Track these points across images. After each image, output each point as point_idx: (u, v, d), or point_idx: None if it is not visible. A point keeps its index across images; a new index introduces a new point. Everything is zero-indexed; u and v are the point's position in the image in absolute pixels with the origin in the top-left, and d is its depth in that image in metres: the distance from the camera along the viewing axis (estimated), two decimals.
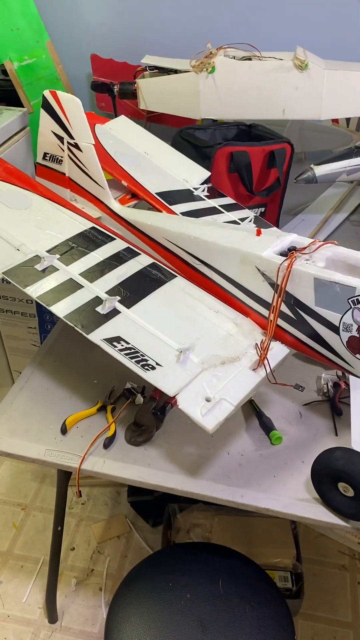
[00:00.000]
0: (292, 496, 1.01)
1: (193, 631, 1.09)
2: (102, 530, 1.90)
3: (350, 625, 1.68)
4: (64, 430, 1.09)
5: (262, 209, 1.68)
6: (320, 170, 1.56)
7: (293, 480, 1.03)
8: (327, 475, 0.94)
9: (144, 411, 1.11)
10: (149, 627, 1.09)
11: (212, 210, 1.38)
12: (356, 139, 2.11)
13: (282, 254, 1.03)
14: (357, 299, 0.90)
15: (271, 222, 1.56)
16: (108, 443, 1.07)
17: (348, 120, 2.22)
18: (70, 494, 1.34)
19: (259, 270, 1.03)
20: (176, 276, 1.13)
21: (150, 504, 1.89)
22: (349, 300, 0.91)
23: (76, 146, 1.27)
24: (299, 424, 1.15)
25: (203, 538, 1.73)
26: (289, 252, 1.01)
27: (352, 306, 0.90)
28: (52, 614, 1.63)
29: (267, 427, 1.12)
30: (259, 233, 1.08)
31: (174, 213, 1.33)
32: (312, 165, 1.58)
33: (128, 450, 1.07)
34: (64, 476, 1.24)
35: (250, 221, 1.37)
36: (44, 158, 1.40)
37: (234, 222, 1.36)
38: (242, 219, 1.38)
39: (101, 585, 1.75)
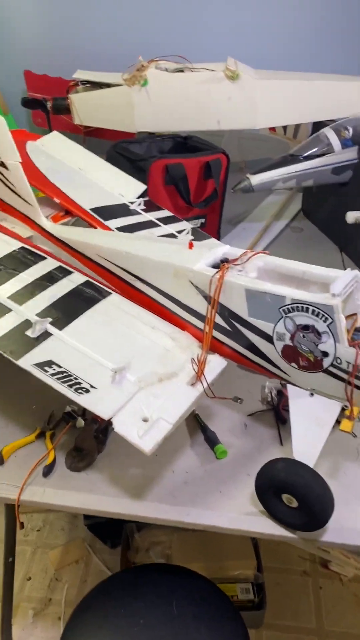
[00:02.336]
0: (239, 510, 0.99)
1: None
2: (60, 556, 1.85)
3: (314, 631, 1.68)
4: (0, 461, 1.04)
5: (202, 220, 1.68)
6: (256, 179, 1.57)
7: (239, 494, 1.01)
8: (271, 487, 0.93)
9: (85, 435, 1.07)
10: None
11: (149, 224, 1.37)
12: (293, 146, 2.15)
13: (214, 266, 1.01)
14: (287, 308, 0.89)
15: (212, 233, 1.56)
16: (47, 471, 1.03)
17: (285, 128, 2.26)
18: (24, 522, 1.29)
19: (192, 283, 1.01)
20: (111, 293, 1.11)
21: (108, 525, 1.84)
22: (280, 310, 0.90)
23: (2, 165, 1.23)
24: (244, 435, 1.14)
25: (163, 556, 1.70)
26: (221, 264, 1.00)
27: (284, 315, 0.90)
28: None
29: (211, 441, 1.10)
30: (191, 246, 1.07)
31: (108, 229, 1.31)
32: (248, 175, 1.58)
33: (69, 477, 1.03)
34: (11, 506, 1.19)
35: (187, 233, 1.36)
36: None
37: (171, 234, 1.35)
38: (180, 231, 1.36)
39: (60, 614, 1.69)
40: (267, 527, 0.96)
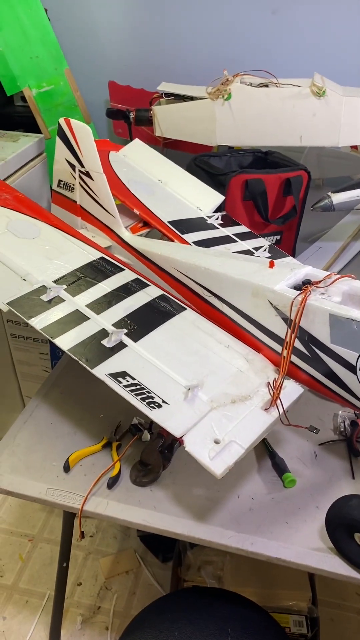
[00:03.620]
0: (306, 545, 0.94)
1: None
2: (111, 564, 1.84)
3: None
4: (67, 468, 1.05)
5: (278, 237, 1.65)
6: (338, 198, 1.53)
7: (307, 527, 0.97)
8: (343, 524, 0.88)
9: (150, 449, 1.06)
10: None
11: (226, 239, 1.35)
12: None
13: (296, 288, 0.98)
14: None
15: (287, 250, 1.52)
16: (112, 483, 1.02)
17: None
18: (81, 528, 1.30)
19: (271, 304, 0.98)
20: (186, 309, 1.10)
21: (161, 539, 1.82)
22: None
23: (87, 174, 1.25)
24: (314, 465, 1.09)
25: (214, 576, 1.65)
26: (304, 286, 0.97)
27: None
28: None
29: (280, 468, 1.06)
30: (272, 265, 1.04)
31: (186, 242, 1.30)
32: (329, 193, 1.54)
33: (133, 491, 1.02)
34: (70, 513, 1.20)
35: (264, 250, 1.33)
36: (58, 185, 1.39)
37: (248, 251, 1.32)
38: (257, 248, 1.34)
39: (108, 624, 1.68)
40: (336, 566, 0.91)
